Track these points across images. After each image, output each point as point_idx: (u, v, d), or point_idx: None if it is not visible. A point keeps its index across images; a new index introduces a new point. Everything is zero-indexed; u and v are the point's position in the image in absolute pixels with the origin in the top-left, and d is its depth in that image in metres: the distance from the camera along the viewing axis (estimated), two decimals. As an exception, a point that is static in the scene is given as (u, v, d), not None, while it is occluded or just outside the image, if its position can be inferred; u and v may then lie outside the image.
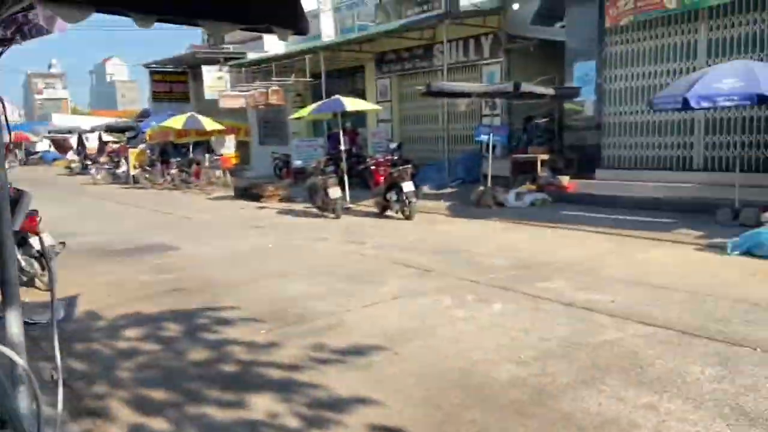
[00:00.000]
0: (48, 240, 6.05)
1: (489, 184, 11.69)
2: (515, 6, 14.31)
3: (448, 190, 13.86)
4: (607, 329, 4.59)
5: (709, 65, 10.09)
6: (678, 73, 11.03)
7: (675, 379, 3.66)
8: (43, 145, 40.78)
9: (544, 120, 14.60)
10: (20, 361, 1.45)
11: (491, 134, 11.94)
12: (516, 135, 14.37)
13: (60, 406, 1.67)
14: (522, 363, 4.01)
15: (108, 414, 3.51)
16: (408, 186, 10.46)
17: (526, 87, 11.10)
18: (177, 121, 18.78)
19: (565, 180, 12.05)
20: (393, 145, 15.90)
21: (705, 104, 8.13)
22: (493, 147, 12.42)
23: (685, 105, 8.08)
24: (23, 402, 1.73)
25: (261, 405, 3.54)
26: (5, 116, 2.00)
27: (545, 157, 13.05)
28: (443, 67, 15.11)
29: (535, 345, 4.32)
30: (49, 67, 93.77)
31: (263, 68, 19.96)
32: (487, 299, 5.51)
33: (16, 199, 2.31)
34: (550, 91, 11.73)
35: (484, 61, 15.38)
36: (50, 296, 2.38)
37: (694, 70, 10.24)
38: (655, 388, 3.57)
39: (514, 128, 14.42)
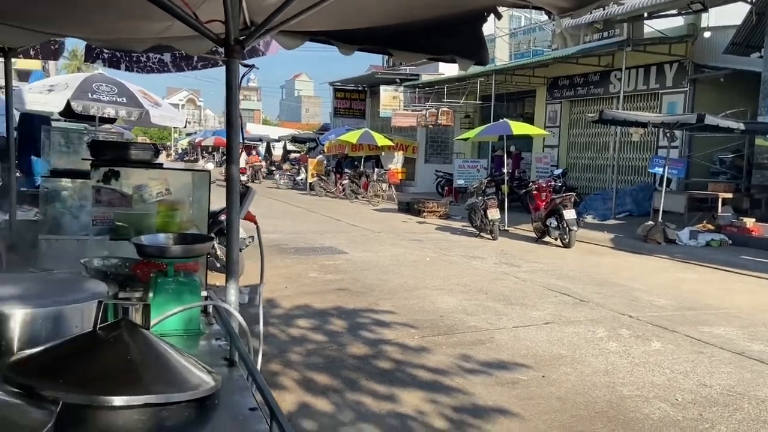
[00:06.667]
0: (241, 233, 6.98)
1: (660, 219, 11.03)
2: (707, 34, 13.41)
3: (613, 221, 13.28)
4: (781, 385, 4.25)
5: None
6: None
7: None
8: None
9: (730, 156, 13.45)
10: (239, 316, 1.89)
11: (666, 166, 11.26)
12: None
13: (259, 365, 2.08)
14: (677, 405, 3.88)
15: (280, 389, 4.05)
16: (569, 213, 10.26)
17: (711, 119, 10.34)
18: (352, 136, 20.19)
19: (749, 222, 10.97)
20: (557, 171, 15.66)
21: None
22: (668, 180, 11.70)
23: None
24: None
25: (410, 401, 3.85)
26: (242, 125, 2.50)
27: (728, 195, 12.01)
28: (619, 94, 14.58)
29: (694, 389, 4.14)
30: (248, 81, 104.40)
31: (436, 89, 20.68)
32: (644, 336, 5.33)
33: (244, 193, 2.86)
34: (740, 125, 10.79)
35: (666, 90, 14.56)
36: (260, 278, 2.86)
37: None
38: (830, 454, 3.28)
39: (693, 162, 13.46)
